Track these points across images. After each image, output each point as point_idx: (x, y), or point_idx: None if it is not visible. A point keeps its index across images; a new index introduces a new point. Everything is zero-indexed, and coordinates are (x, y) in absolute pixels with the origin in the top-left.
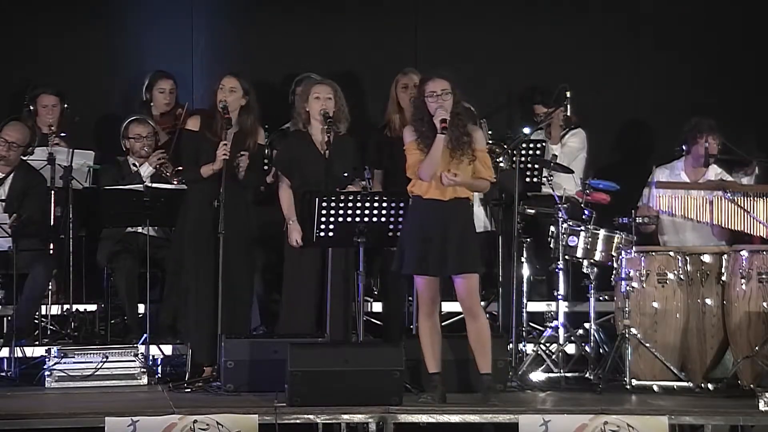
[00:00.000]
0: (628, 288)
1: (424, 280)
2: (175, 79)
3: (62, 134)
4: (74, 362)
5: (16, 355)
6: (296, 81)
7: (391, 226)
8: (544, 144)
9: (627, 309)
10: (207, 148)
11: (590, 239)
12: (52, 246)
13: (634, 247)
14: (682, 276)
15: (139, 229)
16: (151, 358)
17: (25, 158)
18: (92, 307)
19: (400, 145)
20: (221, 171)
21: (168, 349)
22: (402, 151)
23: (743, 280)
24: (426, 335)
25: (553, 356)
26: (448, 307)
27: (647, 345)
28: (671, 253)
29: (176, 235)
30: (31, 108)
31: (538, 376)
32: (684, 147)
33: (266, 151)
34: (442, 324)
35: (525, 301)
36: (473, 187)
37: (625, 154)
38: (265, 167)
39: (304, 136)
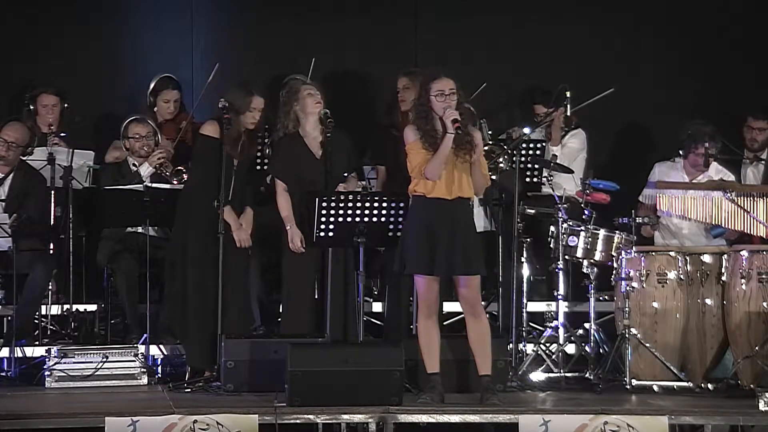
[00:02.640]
0: (628, 288)
1: (426, 280)
2: (180, 87)
3: (62, 134)
4: (74, 362)
5: (16, 355)
6: (283, 84)
7: (391, 226)
8: (544, 144)
9: (627, 309)
10: (225, 158)
11: (590, 239)
12: (52, 246)
13: (634, 247)
14: (682, 276)
15: (139, 229)
16: (151, 358)
17: (24, 158)
18: (92, 307)
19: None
20: (220, 170)
21: (168, 349)
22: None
23: (743, 280)
24: (425, 336)
25: (553, 356)
26: (448, 307)
27: (647, 345)
28: (671, 253)
29: (176, 235)
30: (31, 108)
31: (538, 376)
32: (681, 152)
33: (267, 151)
34: (443, 324)
35: (525, 301)
36: (477, 179)
37: (625, 155)
38: (265, 167)
39: (296, 137)
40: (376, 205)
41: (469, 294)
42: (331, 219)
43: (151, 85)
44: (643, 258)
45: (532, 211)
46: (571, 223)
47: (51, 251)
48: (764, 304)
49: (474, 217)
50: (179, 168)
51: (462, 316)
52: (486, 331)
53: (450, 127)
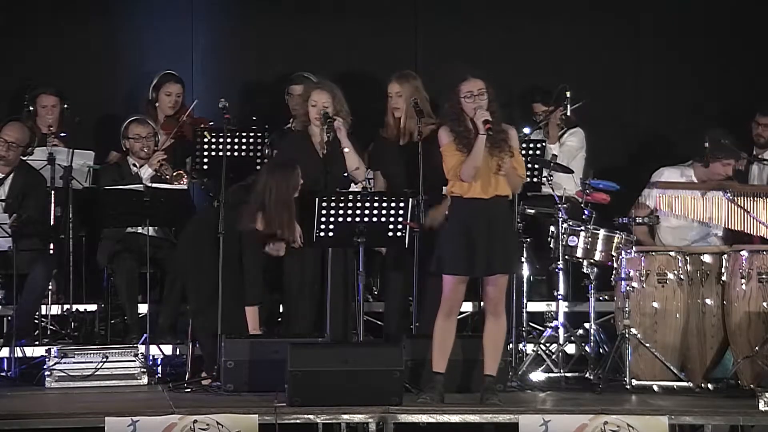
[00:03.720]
0: (628, 288)
1: (456, 280)
2: (183, 83)
3: (62, 134)
4: (74, 362)
5: (16, 355)
6: (290, 79)
7: (391, 226)
8: (543, 144)
9: (627, 309)
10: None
11: (590, 239)
12: (52, 246)
13: (634, 247)
14: (682, 276)
15: (139, 229)
16: (151, 358)
17: (25, 158)
18: (92, 307)
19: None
20: (222, 168)
21: (168, 349)
22: (394, 154)
23: (743, 280)
24: (441, 334)
25: (553, 356)
26: None
27: (647, 345)
28: (671, 253)
29: (180, 236)
30: (31, 108)
31: (538, 376)
32: (706, 158)
33: (267, 150)
34: None
35: (525, 301)
36: (512, 180)
37: (625, 155)
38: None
39: (304, 136)
40: (376, 205)
41: (495, 293)
42: (331, 219)
43: (154, 81)
44: (643, 258)
45: (532, 211)
46: (571, 223)
47: (51, 251)
48: (764, 304)
49: None
50: (179, 172)
51: (464, 315)
52: (502, 332)
53: (481, 129)
